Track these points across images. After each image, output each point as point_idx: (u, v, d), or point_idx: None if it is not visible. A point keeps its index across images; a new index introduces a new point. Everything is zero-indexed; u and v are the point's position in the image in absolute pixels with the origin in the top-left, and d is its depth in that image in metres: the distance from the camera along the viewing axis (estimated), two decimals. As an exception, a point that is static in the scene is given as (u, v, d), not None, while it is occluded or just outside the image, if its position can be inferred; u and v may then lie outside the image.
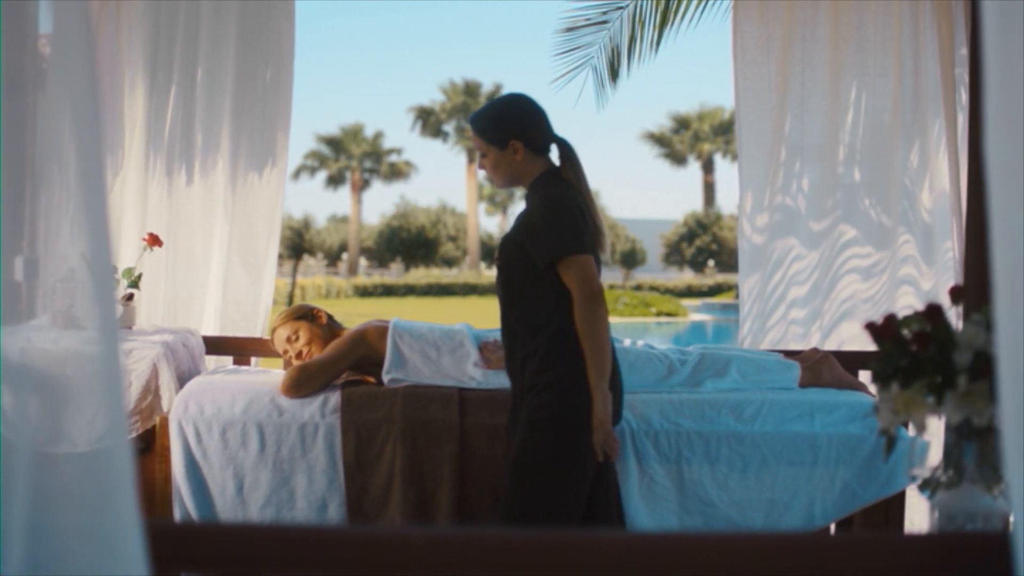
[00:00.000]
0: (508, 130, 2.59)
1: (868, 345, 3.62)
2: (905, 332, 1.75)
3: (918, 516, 3.57)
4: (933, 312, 1.73)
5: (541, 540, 1.34)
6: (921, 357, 1.72)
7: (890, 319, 1.78)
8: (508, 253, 2.60)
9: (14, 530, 1.12)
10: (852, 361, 3.36)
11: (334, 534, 1.40)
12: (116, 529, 1.16)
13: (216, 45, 3.70)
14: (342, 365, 3.11)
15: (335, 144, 43.20)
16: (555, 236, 2.50)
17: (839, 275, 3.70)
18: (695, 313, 26.42)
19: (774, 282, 3.75)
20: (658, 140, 42.09)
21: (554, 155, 2.68)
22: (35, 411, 1.31)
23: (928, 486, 1.82)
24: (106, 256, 1.21)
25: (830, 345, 3.68)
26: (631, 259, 39.73)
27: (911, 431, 2.79)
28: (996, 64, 1.15)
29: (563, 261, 2.50)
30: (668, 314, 25.28)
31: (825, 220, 3.70)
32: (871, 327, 1.79)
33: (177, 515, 3.00)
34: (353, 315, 22.90)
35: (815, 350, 3.34)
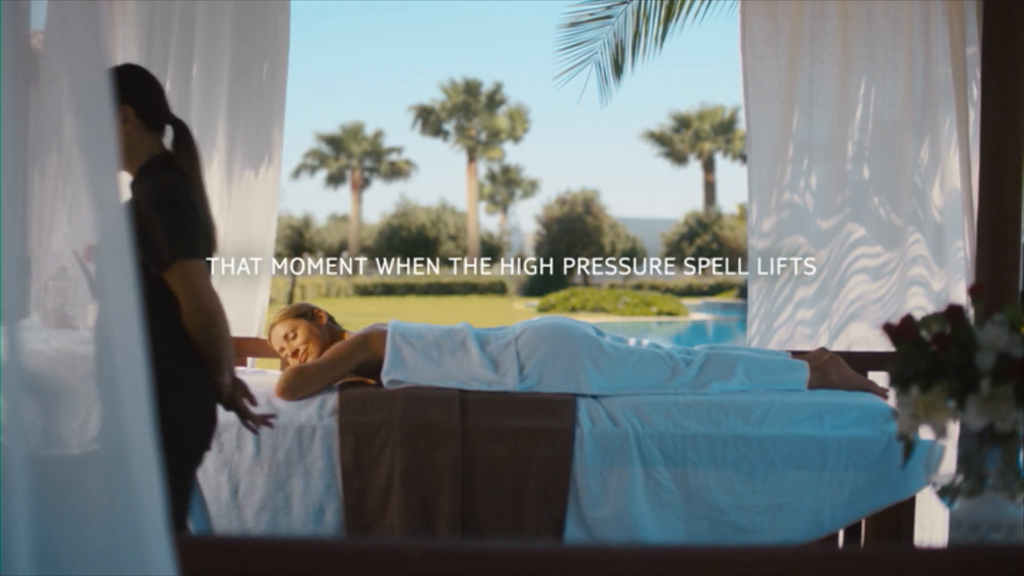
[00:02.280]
0: (117, 93, 2.27)
1: (876, 346, 3.57)
2: (924, 333, 1.69)
3: (928, 520, 3.50)
4: (954, 313, 1.67)
5: (548, 553, 1.28)
6: (942, 359, 1.66)
7: (908, 320, 1.72)
8: None
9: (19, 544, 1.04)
10: (861, 362, 3.30)
11: (330, 547, 1.33)
12: (140, 545, 1.09)
13: (211, 39, 3.63)
14: (343, 369, 3.04)
15: (335, 143, 43.14)
16: (166, 237, 2.18)
17: (848, 275, 3.63)
18: (696, 312, 26.39)
19: (781, 282, 3.68)
20: (658, 139, 42.02)
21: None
22: (30, 413, 1.24)
23: (947, 493, 1.75)
24: (124, 242, 1.13)
25: (838, 346, 3.61)
26: (631, 258, 39.65)
27: (922, 434, 2.73)
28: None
29: (173, 266, 2.19)
30: (669, 313, 25.25)
31: (834, 218, 3.63)
32: (889, 328, 1.72)
33: (171, 520, 2.93)
34: (353, 314, 22.86)
35: (823, 350, 3.27)
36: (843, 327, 3.63)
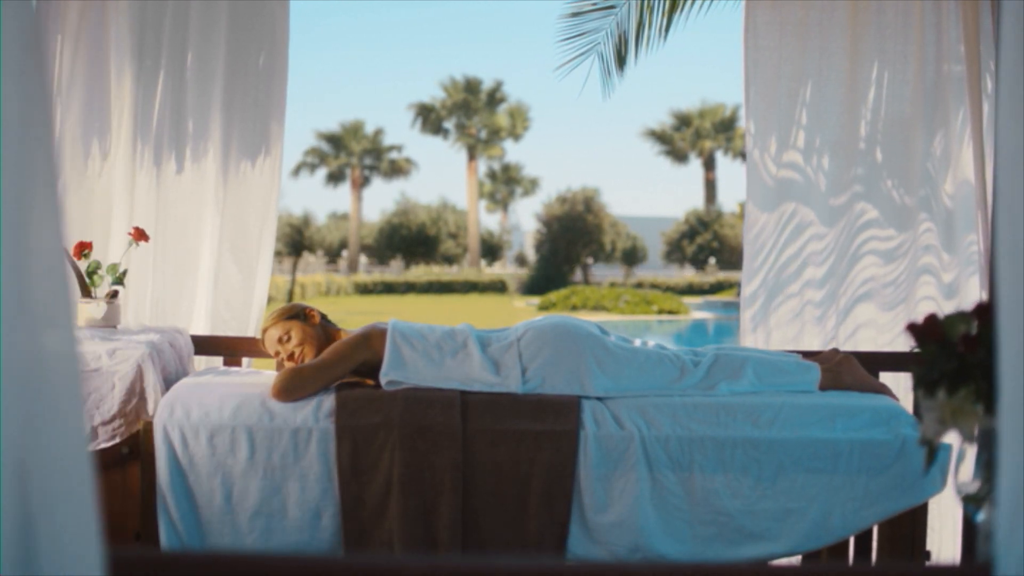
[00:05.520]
0: None
1: (885, 329, 3.50)
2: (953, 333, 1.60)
3: (939, 523, 3.43)
4: (982, 311, 1.58)
5: (558, 570, 1.19)
6: (969, 361, 1.57)
7: (933, 319, 1.63)
8: None
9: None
10: (873, 362, 3.22)
11: (322, 564, 1.25)
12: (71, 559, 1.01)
13: (207, 29, 3.55)
14: (342, 369, 2.94)
15: (335, 141, 43.12)
16: None
17: (859, 255, 3.55)
18: (697, 311, 26.35)
19: (786, 259, 3.60)
20: (659, 137, 42.04)
21: None
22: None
23: (973, 501, 1.66)
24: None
25: (846, 329, 3.54)
26: (632, 257, 39.67)
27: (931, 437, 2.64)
28: (1013, 52, 1.03)
29: None
30: (670, 312, 25.19)
31: (843, 195, 3.55)
32: (913, 328, 1.63)
33: (162, 525, 2.84)
34: (354, 312, 22.80)
35: (835, 351, 3.18)
36: (851, 308, 3.55)
